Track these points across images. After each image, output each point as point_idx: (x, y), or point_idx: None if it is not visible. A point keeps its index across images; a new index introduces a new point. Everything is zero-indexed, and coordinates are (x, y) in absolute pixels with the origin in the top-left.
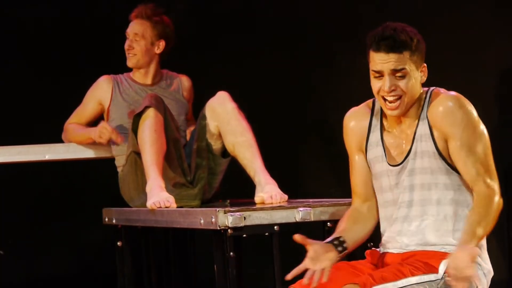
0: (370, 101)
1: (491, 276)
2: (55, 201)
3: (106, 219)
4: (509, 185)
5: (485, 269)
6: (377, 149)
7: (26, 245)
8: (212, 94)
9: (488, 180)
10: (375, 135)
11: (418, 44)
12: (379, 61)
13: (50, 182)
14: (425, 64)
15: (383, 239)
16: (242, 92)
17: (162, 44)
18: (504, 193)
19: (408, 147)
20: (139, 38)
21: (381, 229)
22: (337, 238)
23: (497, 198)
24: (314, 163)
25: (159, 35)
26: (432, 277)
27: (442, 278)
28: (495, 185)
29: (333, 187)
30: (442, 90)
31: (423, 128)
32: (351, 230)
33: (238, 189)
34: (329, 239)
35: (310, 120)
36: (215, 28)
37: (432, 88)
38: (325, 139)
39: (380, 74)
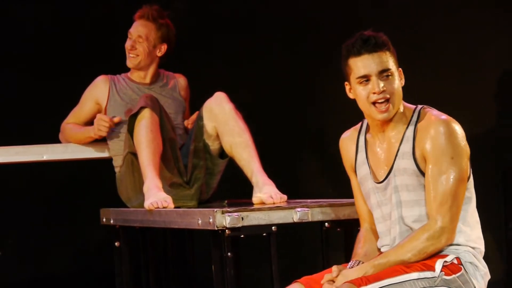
0: (359, 124)
1: (488, 279)
2: (53, 201)
3: (104, 220)
4: (507, 187)
5: (482, 271)
6: (364, 168)
7: (25, 245)
8: (210, 94)
9: (443, 217)
10: (361, 154)
11: (392, 47)
12: (363, 64)
13: (48, 182)
14: (400, 69)
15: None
16: (240, 93)
17: (164, 47)
18: (502, 194)
19: (391, 164)
20: (143, 40)
21: (378, 244)
22: (361, 262)
23: (438, 240)
24: (312, 164)
25: (162, 38)
26: (428, 274)
27: (439, 276)
28: (448, 225)
29: (331, 188)
30: (433, 111)
31: (406, 146)
32: (374, 251)
33: (236, 189)
34: (353, 263)
35: (308, 121)
36: (213, 28)
37: (420, 106)
38: (323, 140)
39: (366, 79)
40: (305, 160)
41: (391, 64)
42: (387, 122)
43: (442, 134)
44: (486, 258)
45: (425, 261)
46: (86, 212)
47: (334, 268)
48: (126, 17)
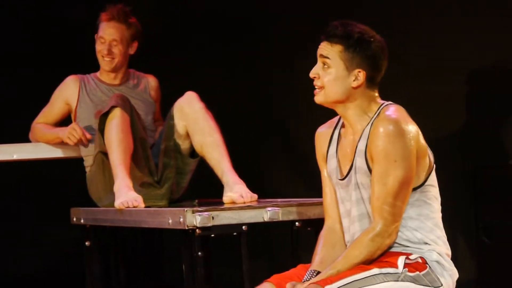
0: (336, 117)
1: (456, 278)
2: (23, 201)
3: (74, 219)
4: (477, 186)
5: (450, 270)
6: (333, 162)
7: None
8: (180, 94)
9: (384, 219)
10: (332, 148)
11: (359, 44)
12: (319, 47)
13: (18, 182)
14: (362, 71)
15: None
16: (210, 92)
17: (135, 45)
18: (471, 193)
19: (352, 161)
20: (117, 43)
21: (345, 238)
22: (317, 273)
23: (383, 240)
24: (281, 163)
25: (133, 36)
26: (391, 270)
27: (402, 272)
28: (390, 225)
29: (301, 187)
30: (390, 108)
31: (362, 143)
32: (330, 256)
33: (206, 189)
34: (308, 275)
35: (278, 121)
36: (182, 28)
37: (386, 103)
38: (292, 139)
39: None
40: (276, 159)
41: (335, 57)
42: (352, 117)
43: (388, 134)
44: (456, 257)
45: (387, 258)
46: (57, 212)
47: (288, 285)
48: (91, 16)
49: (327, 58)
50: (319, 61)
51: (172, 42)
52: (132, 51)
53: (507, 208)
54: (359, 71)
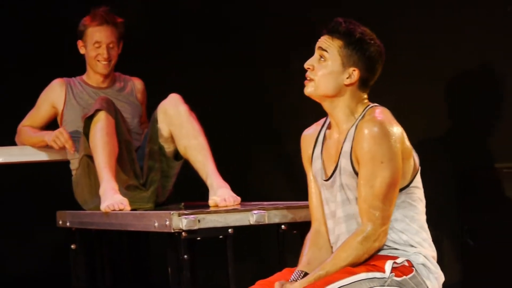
0: (322, 119)
1: (442, 281)
2: (9, 203)
3: (60, 222)
4: (463, 189)
5: (436, 273)
6: (317, 163)
7: None
8: (164, 96)
9: (373, 221)
10: (318, 149)
11: (359, 43)
12: (320, 40)
13: (4, 185)
14: (357, 70)
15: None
16: (194, 93)
17: (121, 45)
18: (458, 196)
19: (337, 162)
20: (114, 45)
21: (330, 241)
22: (304, 273)
23: (371, 243)
24: (268, 166)
25: (121, 36)
26: (378, 275)
27: (389, 277)
28: (378, 228)
29: (287, 190)
30: (376, 110)
31: (347, 145)
32: (317, 258)
33: (193, 192)
34: (296, 275)
35: (263, 123)
36: (168, 31)
37: (372, 104)
38: (278, 142)
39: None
40: (262, 162)
41: (333, 52)
42: (339, 115)
43: (374, 136)
44: (442, 260)
45: (374, 262)
46: (43, 215)
47: (277, 284)
48: (77, 18)
49: (326, 51)
50: (317, 53)
51: (157, 44)
52: (119, 51)
53: (492, 210)
54: (354, 70)
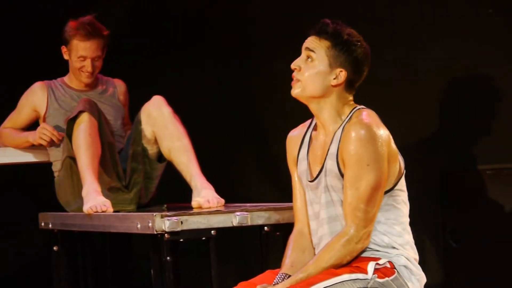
0: (308, 121)
1: (424, 282)
2: None
3: (43, 224)
4: (445, 190)
5: (418, 275)
6: (303, 164)
7: None
8: (147, 98)
9: (356, 224)
10: (304, 150)
11: (346, 45)
12: (306, 40)
13: None
14: (344, 71)
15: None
16: (178, 95)
17: (105, 51)
18: (440, 197)
19: (322, 163)
20: (99, 57)
21: (313, 242)
22: (288, 276)
23: (354, 245)
24: (253, 168)
25: (105, 45)
26: (360, 276)
27: (372, 278)
28: (361, 230)
29: (270, 192)
30: (363, 113)
31: (334, 146)
32: (300, 260)
33: (175, 193)
34: (279, 278)
35: (246, 125)
36: (152, 33)
37: (358, 107)
38: (262, 144)
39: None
40: (246, 163)
41: (321, 52)
42: (325, 117)
43: (360, 139)
44: (424, 262)
45: (357, 263)
46: (25, 217)
47: (259, 287)
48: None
49: (313, 51)
50: (303, 54)
51: (140, 46)
52: (103, 55)
53: (475, 212)
54: (341, 71)
